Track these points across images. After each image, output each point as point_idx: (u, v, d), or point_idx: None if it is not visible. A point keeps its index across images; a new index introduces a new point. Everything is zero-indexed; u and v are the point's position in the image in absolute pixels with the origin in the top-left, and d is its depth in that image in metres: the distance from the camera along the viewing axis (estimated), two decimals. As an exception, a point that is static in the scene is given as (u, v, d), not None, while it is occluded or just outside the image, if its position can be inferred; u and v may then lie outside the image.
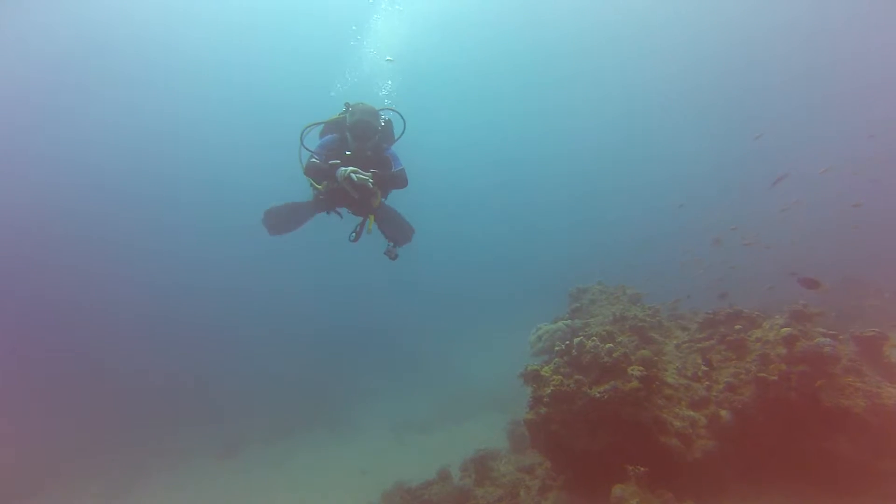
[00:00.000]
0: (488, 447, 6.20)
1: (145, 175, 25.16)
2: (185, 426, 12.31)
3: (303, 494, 8.75)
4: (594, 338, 4.37)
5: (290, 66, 24.75)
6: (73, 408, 13.26)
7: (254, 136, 26.78)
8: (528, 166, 31.01)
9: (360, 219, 4.78)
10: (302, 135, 4.60)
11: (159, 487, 9.75)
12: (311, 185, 4.62)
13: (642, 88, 27.06)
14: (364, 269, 18.17)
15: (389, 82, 9.43)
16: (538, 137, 30.33)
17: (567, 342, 4.50)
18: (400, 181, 4.62)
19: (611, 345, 4.27)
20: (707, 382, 4.52)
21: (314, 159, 4.47)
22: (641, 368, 4.12)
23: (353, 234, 4.73)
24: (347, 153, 4.33)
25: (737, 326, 4.95)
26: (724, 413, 4.16)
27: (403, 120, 4.77)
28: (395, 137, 4.93)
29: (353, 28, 13.27)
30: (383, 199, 4.80)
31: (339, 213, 4.90)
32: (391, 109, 4.81)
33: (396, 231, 4.89)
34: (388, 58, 10.76)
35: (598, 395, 4.02)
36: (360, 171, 4.05)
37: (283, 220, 4.98)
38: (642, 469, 3.51)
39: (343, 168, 4.05)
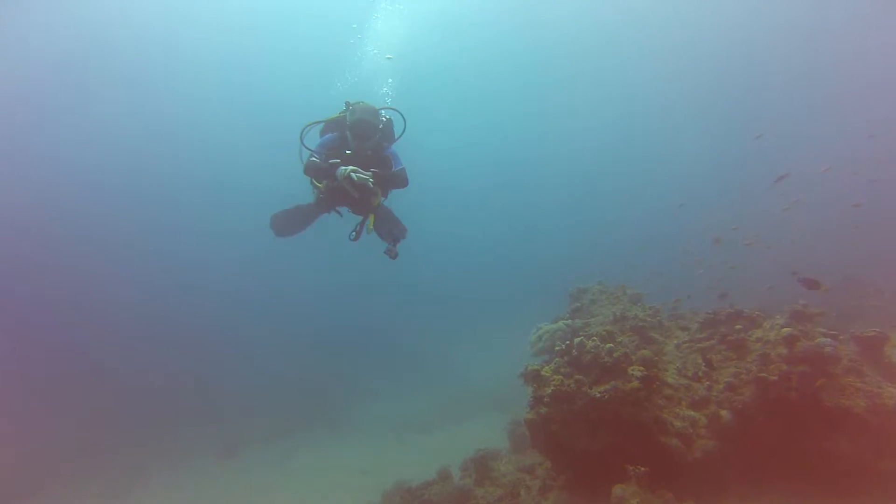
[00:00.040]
0: (489, 447, 6.19)
1: (145, 175, 25.17)
2: (185, 426, 12.30)
3: (303, 494, 8.75)
4: (594, 338, 4.37)
5: (290, 66, 24.75)
6: (73, 408, 13.25)
7: (254, 136, 26.79)
8: (528, 166, 31.00)
9: (360, 218, 4.78)
10: (302, 133, 4.60)
11: (159, 487, 9.75)
12: (312, 183, 4.62)
13: (642, 88, 27.05)
14: (364, 268, 18.15)
15: (390, 80, 9.43)
16: (538, 137, 30.32)
17: (567, 342, 4.50)
18: (400, 181, 4.61)
19: (611, 345, 4.27)
20: (707, 382, 4.52)
21: (314, 158, 4.47)
22: (642, 368, 4.12)
23: (354, 234, 4.73)
24: (347, 152, 4.32)
25: (737, 326, 4.95)
26: (724, 413, 4.16)
27: (404, 119, 4.76)
28: (396, 137, 4.93)
29: (354, 26, 13.28)
30: (383, 199, 4.80)
31: (338, 213, 4.90)
32: (392, 108, 4.81)
33: (391, 231, 4.88)
34: (389, 55, 10.77)
35: (598, 395, 4.01)
36: (360, 170, 4.05)
37: (290, 223, 4.97)
38: (643, 469, 3.51)
39: (343, 167, 4.04)
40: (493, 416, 10.13)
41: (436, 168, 26.09)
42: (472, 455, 5.97)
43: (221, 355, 17.24)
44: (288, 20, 22.03)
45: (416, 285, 24.24)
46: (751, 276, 9.71)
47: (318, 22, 21.06)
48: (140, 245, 24.05)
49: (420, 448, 10.17)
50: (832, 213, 13.41)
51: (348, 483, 8.87)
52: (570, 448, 4.17)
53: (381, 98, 8.82)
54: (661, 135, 28.32)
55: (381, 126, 4.53)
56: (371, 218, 4.59)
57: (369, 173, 4.07)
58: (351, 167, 4.03)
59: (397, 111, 4.79)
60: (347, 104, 4.56)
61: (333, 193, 4.50)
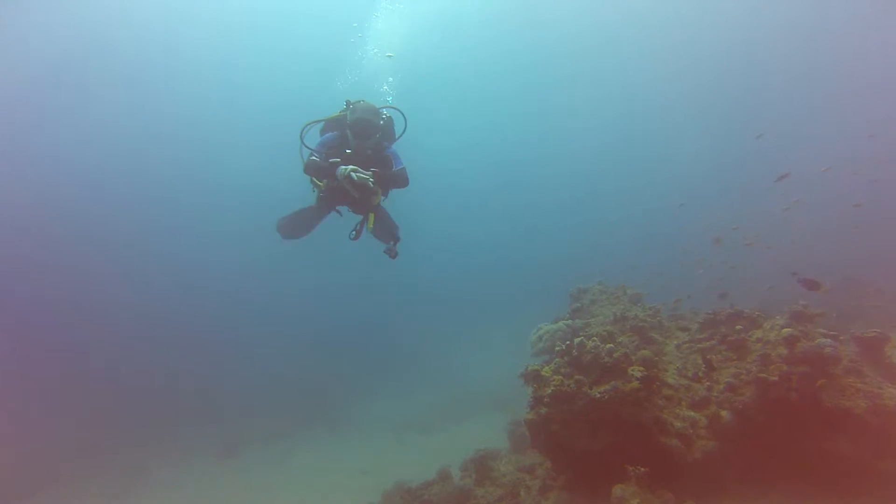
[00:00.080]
0: (489, 447, 6.19)
1: (145, 175, 25.16)
2: (185, 426, 12.31)
3: (303, 494, 8.75)
4: (595, 338, 4.37)
5: (291, 66, 24.73)
6: (73, 408, 13.25)
7: (254, 136, 26.78)
8: (528, 166, 30.98)
9: (360, 217, 4.77)
10: (302, 132, 4.59)
11: (159, 487, 9.76)
12: (312, 182, 4.61)
13: (642, 88, 27.04)
14: (364, 268, 18.15)
15: (390, 78, 9.44)
16: (538, 138, 30.31)
17: (568, 342, 4.50)
18: (401, 180, 4.60)
19: (611, 345, 4.27)
20: (707, 383, 4.52)
21: (314, 157, 4.45)
22: (642, 369, 4.12)
23: (353, 233, 4.72)
24: (348, 151, 4.30)
25: (737, 327, 4.95)
26: (724, 413, 4.16)
27: (405, 118, 4.74)
28: (397, 136, 4.92)
29: (354, 25, 13.28)
30: (384, 198, 4.79)
31: (338, 212, 4.90)
32: (392, 107, 4.79)
33: (385, 231, 4.87)
34: (389, 53, 10.78)
35: (598, 396, 4.01)
36: (360, 169, 4.03)
37: (296, 226, 4.96)
38: (643, 469, 3.51)
39: (343, 167, 4.03)
40: (493, 417, 10.13)
41: (436, 168, 26.10)
42: (472, 455, 5.97)
43: (221, 355, 17.24)
44: (288, 19, 22.02)
45: (416, 285, 24.24)
46: (751, 276, 9.71)
47: (319, 21, 21.06)
48: (140, 245, 24.04)
49: (420, 448, 10.18)
50: (832, 214, 13.41)
51: (348, 483, 8.88)
52: (570, 448, 4.17)
53: (382, 96, 8.82)
54: (662, 135, 28.31)
55: (381, 125, 4.52)
56: (371, 217, 4.58)
57: (369, 173, 4.06)
58: (351, 167, 4.02)
59: (398, 110, 4.78)
60: (348, 103, 4.54)
61: (333, 193, 4.49)
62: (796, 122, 23.55)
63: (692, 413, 4.26)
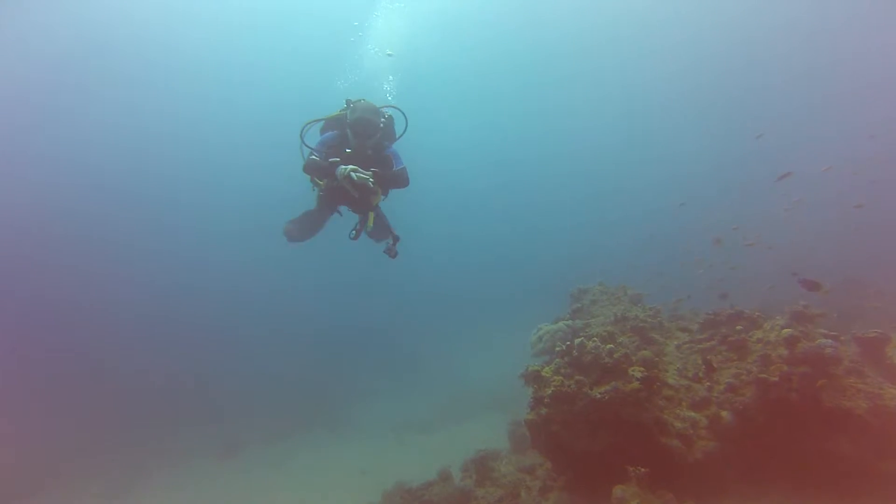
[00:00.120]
0: (489, 448, 6.18)
1: (145, 175, 25.16)
2: (185, 426, 12.30)
3: (303, 495, 8.74)
4: (595, 338, 4.36)
5: (291, 65, 24.73)
6: (73, 408, 13.25)
7: (254, 136, 26.78)
8: (528, 166, 30.99)
9: (360, 217, 4.77)
10: (302, 131, 4.57)
11: (159, 487, 9.75)
12: (313, 181, 4.59)
13: (642, 88, 27.03)
14: (364, 268, 18.15)
15: (391, 77, 9.44)
16: (538, 137, 30.31)
17: (568, 343, 4.50)
18: (401, 180, 4.58)
19: (612, 345, 4.27)
20: (708, 383, 4.52)
21: (314, 156, 4.44)
22: (642, 369, 4.12)
23: (353, 232, 4.71)
24: (348, 151, 4.28)
25: (738, 327, 4.95)
26: (725, 414, 4.16)
27: (405, 117, 4.72)
28: (397, 136, 4.90)
29: (355, 24, 13.28)
30: (384, 198, 4.78)
31: (338, 212, 4.89)
32: (393, 107, 4.77)
33: (381, 232, 4.85)
34: (389, 52, 10.79)
35: (598, 396, 4.01)
36: (360, 169, 4.01)
37: (302, 230, 4.95)
38: (643, 470, 3.51)
39: (343, 167, 4.01)
40: (493, 417, 10.12)
41: (436, 168, 26.09)
42: (472, 455, 5.96)
43: (221, 355, 17.23)
44: (288, 19, 22.02)
45: (416, 285, 24.25)
46: (751, 276, 9.71)
47: (319, 21, 21.06)
48: (140, 245, 24.06)
49: (420, 448, 10.16)
50: (833, 214, 13.41)
51: (348, 483, 8.86)
52: (571, 449, 4.17)
53: (383, 95, 8.82)
54: (662, 135, 28.32)
55: (382, 124, 4.49)
56: (371, 217, 4.56)
57: (369, 173, 4.04)
58: (351, 166, 4.00)
59: (399, 109, 4.75)
60: (348, 102, 4.52)
61: (333, 192, 4.48)
62: (796, 122, 23.55)
63: (693, 413, 4.26)
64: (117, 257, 23.17)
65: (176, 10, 20.15)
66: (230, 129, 27.08)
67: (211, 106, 25.95)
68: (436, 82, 25.38)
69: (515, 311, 15.39)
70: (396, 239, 4.45)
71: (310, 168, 4.44)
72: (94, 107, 22.92)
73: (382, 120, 4.52)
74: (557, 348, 4.61)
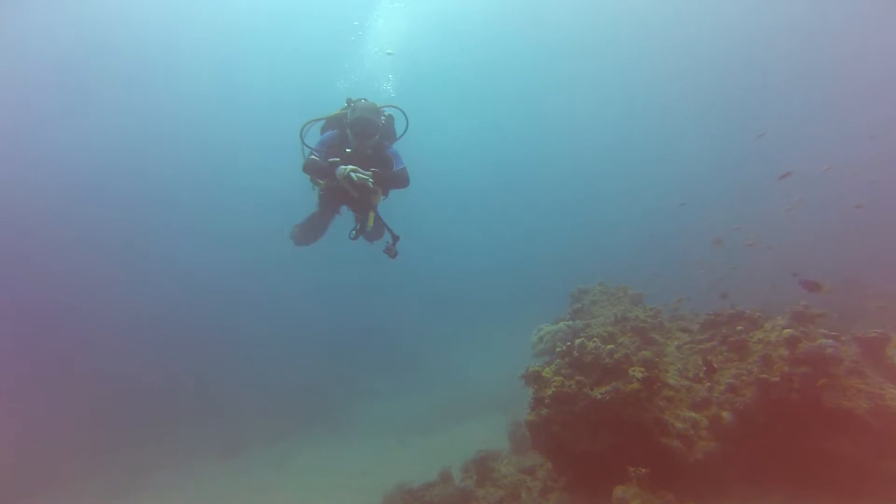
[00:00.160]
0: (489, 448, 6.18)
1: (145, 176, 25.16)
2: (185, 426, 12.30)
3: (303, 495, 8.73)
4: (595, 339, 4.36)
5: (291, 65, 24.73)
6: (73, 408, 13.25)
7: (254, 136, 26.78)
8: (528, 167, 30.99)
9: (360, 217, 4.76)
10: (302, 131, 4.56)
11: (159, 487, 9.74)
12: (312, 181, 4.59)
13: (642, 89, 27.04)
14: (364, 269, 18.15)
15: (391, 76, 9.44)
16: (539, 138, 30.31)
17: (568, 343, 4.50)
18: (401, 181, 4.57)
19: (612, 346, 4.26)
20: (708, 384, 4.51)
21: (314, 156, 4.43)
22: (643, 370, 4.11)
23: (353, 232, 4.71)
24: (348, 150, 4.26)
25: (738, 327, 4.94)
26: (725, 414, 4.15)
27: (406, 117, 4.71)
28: (397, 136, 4.89)
29: (355, 23, 13.28)
30: (384, 198, 4.77)
31: (338, 212, 4.88)
32: (393, 106, 4.76)
33: (377, 232, 4.84)
34: (389, 51, 10.79)
35: (599, 397, 4.01)
36: (359, 169, 3.99)
37: (307, 233, 4.97)
38: (644, 470, 3.51)
39: (343, 167, 3.99)
40: (493, 418, 10.11)
41: (436, 168, 26.08)
42: (473, 456, 5.96)
43: (221, 355, 17.24)
44: (288, 19, 22.02)
45: (416, 286, 24.24)
46: (752, 276, 9.70)
47: (319, 20, 21.06)
48: (140, 246, 24.06)
49: (421, 449, 10.15)
50: (833, 214, 13.40)
51: (349, 484, 8.85)
52: (571, 449, 4.17)
53: (383, 94, 8.82)
54: (662, 135, 28.32)
55: (382, 124, 4.48)
56: (371, 216, 4.54)
57: (369, 173, 4.03)
58: (350, 166, 3.98)
59: (399, 109, 4.74)
60: (348, 101, 4.51)
61: (333, 192, 4.47)
62: (797, 123, 23.55)
63: (693, 414, 4.25)
64: (117, 258, 23.18)
65: (176, 11, 20.15)
66: (230, 129, 27.08)
67: (211, 106, 25.95)
68: (436, 82, 25.38)
69: (516, 311, 15.39)
70: (396, 238, 4.43)
71: (309, 168, 4.43)
72: (94, 107, 22.92)
73: (382, 120, 4.51)
74: (558, 349, 4.61)
